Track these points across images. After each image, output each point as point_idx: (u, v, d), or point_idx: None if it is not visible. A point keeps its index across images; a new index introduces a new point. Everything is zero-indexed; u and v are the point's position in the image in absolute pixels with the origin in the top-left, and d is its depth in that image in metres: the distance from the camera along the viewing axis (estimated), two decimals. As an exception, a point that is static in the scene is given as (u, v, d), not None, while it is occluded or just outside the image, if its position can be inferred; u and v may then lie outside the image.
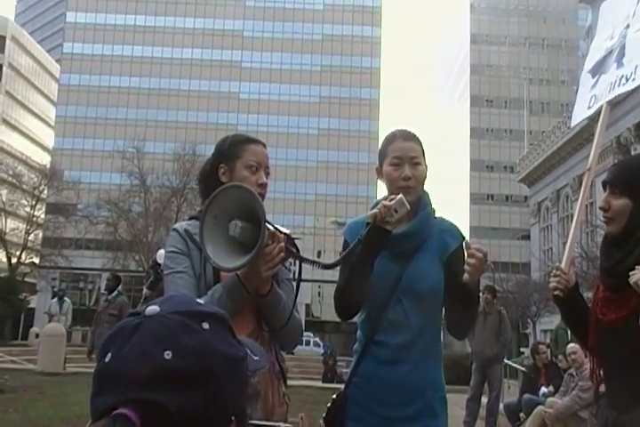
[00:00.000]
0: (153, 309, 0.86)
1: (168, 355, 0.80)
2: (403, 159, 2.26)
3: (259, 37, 69.85)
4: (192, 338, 0.82)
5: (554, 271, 2.35)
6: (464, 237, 2.34)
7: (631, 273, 2.03)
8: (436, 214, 2.36)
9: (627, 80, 2.61)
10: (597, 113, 2.82)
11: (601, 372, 2.27)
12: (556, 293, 2.31)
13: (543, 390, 7.18)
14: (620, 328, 2.09)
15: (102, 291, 7.70)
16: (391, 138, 2.34)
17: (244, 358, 0.89)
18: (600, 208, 2.16)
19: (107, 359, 0.83)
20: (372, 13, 71.18)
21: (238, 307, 1.94)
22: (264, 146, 2.22)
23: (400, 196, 2.09)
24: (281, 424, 0.91)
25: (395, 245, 2.22)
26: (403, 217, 2.11)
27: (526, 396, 7.27)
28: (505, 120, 70.57)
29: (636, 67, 2.58)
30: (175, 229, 2.10)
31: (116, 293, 7.42)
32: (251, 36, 69.85)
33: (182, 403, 0.80)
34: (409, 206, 2.08)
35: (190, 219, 2.17)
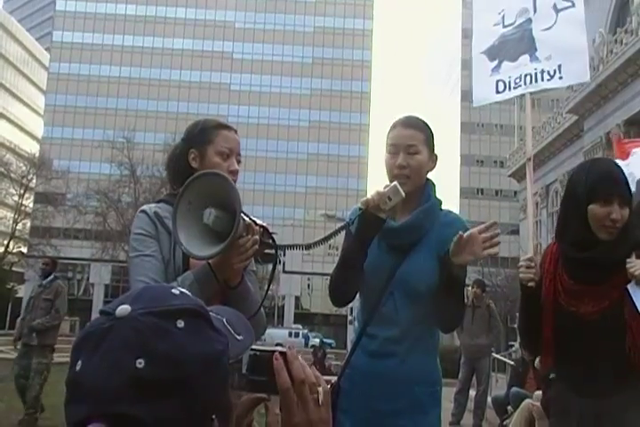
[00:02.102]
0: (124, 309, 0.81)
1: (140, 363, 0.76)
2: (398, 147, 2.21)
3: (250, 28, 69.56)
4: (165, 343, 0.78)
5: (527, 263, 2.35)
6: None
7: (629, 266, 2.10)
8: (443, 207, 2.30)
9: (551, 76, 2.75)
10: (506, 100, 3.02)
11: (551, 360, 2.35)
12: (530, 284, 2.33)
13: (537, 393, 7.21)
14: (597, 319, 2.16)
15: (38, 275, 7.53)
16: (393, 125, 2.28)
17: (223, 351, 0.84)
18: (615, 220, 2.18)
19: (77, 368, 0.79)
20: (363, 6, 71.05)
21: (207, 296, 1.88)
22: (236, 132, 2.16)
23: (394, 183, 2.04)
24: (278, 348, 0.93)
25: (392, 237, 2.19)
26: (397, 205, 2.05)
27: (514, 389, 7.30)
28: (495, 115, 70.68)
29: (560, 66, 2.72)
30: (144, 211, 2.02)
31: (52, 277, 7.27)
32: (242, 28, 69.56)
33: (158, 412, 0.77)
34: (404, 194, 2.02)
35: (159, 202, 2.09)
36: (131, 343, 0.78)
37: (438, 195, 2.30)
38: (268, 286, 2.07)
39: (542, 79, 2.76)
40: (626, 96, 23.36)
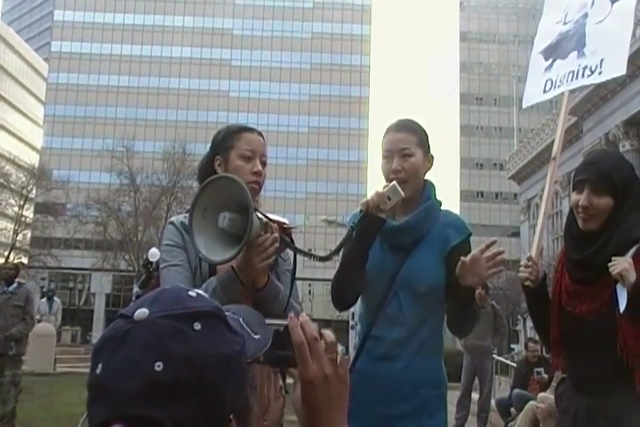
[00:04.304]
0: (142, 312, 0.83)
1: (159, 366, 0.79)
2: (392, 152, 2.22)
3: (248, 36, 69.70)
4: (183, 345, 0.80)
5: (525, 262, 2.37)
6: (470, 233, 2.29)
7: (610, 264, 2.07)
8: (442, 208, 2.31)
9: (591, 72, 2.68)
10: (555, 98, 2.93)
11: (561, 361, 2.35)
12: (527, 283, 2.33)
13: (541, 395, 7.19)
14: (593, 319, 2.16)
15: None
16: (386, 130, 2.30)
17: (240, 352, 0.86)
18: (582, 206, 2.17)
19: (98, 371, 0.82)
20: (361, 11, 71.18)
21: (234, 300, 1.88)
22: (260, 134, 2.16)
23: (393, 183, 2.06)
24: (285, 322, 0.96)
25: (393, 237, 2.19)
26: (397, 204, 2.06)
27: (516, 391, 7.28)
28: (494, 118, 70.75)
29: (602, 60, 2.64)
30: (172, 223, 2.08)
31: (16, 284, 7.04)
32: (240, 35, 69.70)
33: (177, 413, 0.79)
34: (403, 194, 2.04)
35: (187, 212, 2.13)
36: (149, 347, 0.80)
37: (438, 197, 2.30)
38: (292, 283, 2.09)
39: (583, 75, 2.71)
40: (624, 97, 23.40)
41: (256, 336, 0.94)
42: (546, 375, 7.00)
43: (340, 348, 0.95)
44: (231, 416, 0.87)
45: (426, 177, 2.31)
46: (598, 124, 25.83)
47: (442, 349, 2.30)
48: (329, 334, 0.95)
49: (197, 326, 0.82)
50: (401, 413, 2.13)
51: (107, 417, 0.79)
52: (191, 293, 0.89)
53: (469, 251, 2.19)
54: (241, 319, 0.95)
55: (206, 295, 0.91)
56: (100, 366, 0.82)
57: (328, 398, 0.93)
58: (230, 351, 0.84)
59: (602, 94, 24.64)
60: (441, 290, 2.18)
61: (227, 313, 0.93)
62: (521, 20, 73.69)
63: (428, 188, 2.29)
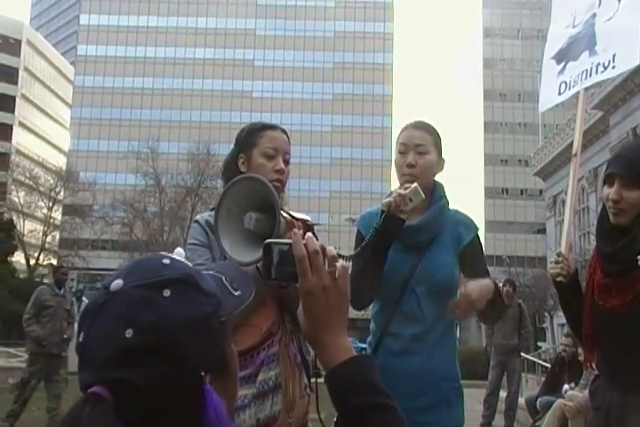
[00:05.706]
0: (117, 284, 0.89)
1: (129, 333, 0.85)
2: (408, 146, 2.27)
3: (271, 36, 69.92)
4: (151, 312, 0.86)
5: (555, 258, 2.36)
6: (478, 229, 2.35)
7: (639, 258, 2.04)
8: (450, 207, 2.36)
9: (605, 68, 2.68)
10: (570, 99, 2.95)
11: (594, 357, 2.32)
12: (559, 279, 2.33)
13: (565, 387, 7.12)
14: (624, 313, 2.12)
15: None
16: (403, 127, 2.36)
17: (211, 313, 0.91)
18: (612, 200, 2.14)
19: (80, 339, 0.89)
20: (383, 9, 71.03)
21: (258, 299, 1.88)
22: (283, 131, 2.18)
23: (415, 184, 2.09)
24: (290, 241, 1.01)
25: (408, 237, 2.22)
26: (417, 206, 2.11)
27: (544, 398, 7.20)
28: (519, 114, 70.14)
29: (614, 55, 2.65)
30: (196, 221, 2.09)
31: (64, 288, 7.24)
32: (263, 35, 69.95)
33: (148, 375, 0.85)
34: (424, 195, 2.08)
35: (212, 210, 2.13)
36: (120, 316, 0.86)
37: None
38: None
39: (597, 72, 2.71)
40: (651, 91, 23.07)
41: (237, 293, 1.00)
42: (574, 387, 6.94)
43: (339, 262, 0.99)
44: (202, 373, 0.93)
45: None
46: (626, 119, 25.50)
47: (456, 344, 2.36)
48: (331, 249, 1.00)
49: (167, 292, 0.88)
50: (421, 406, 2.15)
51: (88, 381, 0.86)
52: (165, 260, 0.94)
53: (480, 247, 2.30)
54: (224, 278, 1.01)
55: (182, 261, 0.97)
56: (82, 335, 0.89)
57: (327, 308, 0.98)
58: (200, 313, 0.90)
59: (629, 88, 24.32)
60: (456, 286, 2.23)
61: (210, 273, 1.01)
62: (545, 14, 72.86)
63: (438, 188, 2.34)
